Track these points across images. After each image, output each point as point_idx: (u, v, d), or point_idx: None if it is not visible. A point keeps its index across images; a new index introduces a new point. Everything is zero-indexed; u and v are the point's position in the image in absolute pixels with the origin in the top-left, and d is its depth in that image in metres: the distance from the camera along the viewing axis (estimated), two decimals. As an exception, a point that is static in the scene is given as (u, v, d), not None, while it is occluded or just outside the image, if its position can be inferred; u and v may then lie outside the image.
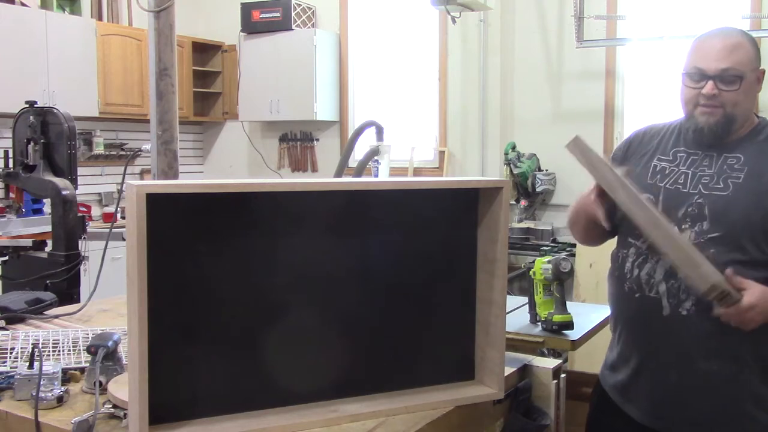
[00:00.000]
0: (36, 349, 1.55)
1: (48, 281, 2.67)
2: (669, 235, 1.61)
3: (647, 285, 1.77)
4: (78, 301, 2.68)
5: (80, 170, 3.11)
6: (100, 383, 1.49)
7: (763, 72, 1.78)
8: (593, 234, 1.94)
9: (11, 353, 1.76)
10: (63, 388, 1.51)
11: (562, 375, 1.87)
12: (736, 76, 1.70)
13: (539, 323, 2.43)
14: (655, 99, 5.23)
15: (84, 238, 2.89)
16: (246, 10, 6.62)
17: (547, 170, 5.58)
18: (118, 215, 4.10)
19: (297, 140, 7.02)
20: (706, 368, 1.72)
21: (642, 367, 1.82)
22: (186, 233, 1.39)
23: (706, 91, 1.71)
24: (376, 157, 2.62)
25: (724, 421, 1.74)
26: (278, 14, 6.48)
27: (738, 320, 1.62)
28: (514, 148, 5.65)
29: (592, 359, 2.44)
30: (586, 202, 1.78)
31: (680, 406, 1.77)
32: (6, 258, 3.15)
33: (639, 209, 1.63)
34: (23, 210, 4.73)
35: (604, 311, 2.53)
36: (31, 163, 2.97)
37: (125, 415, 1.40)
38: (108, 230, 2.51)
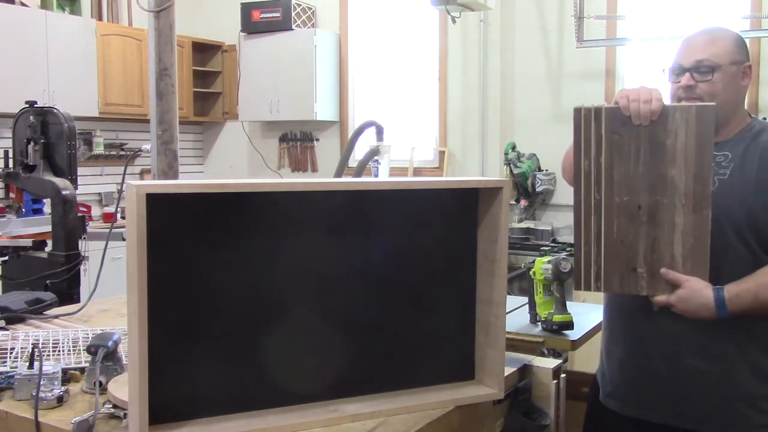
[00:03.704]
0: (36, 349, 1.54)
1: (48, 281, 2.67)
2: None
3: None
4: (78, 301, 2.68)
5: (80, 170, 3.11)
6: (100, 383, 1.49)
7: (749, 67, 1.80)
8: None
9: (11, 353, 1.76)
10: (63, 388, 1.51)
11: (562, 375, 1.87)
12: (710, 66, 1.74)
13: (539, 323, 2.43)
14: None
15: (84, 238, 2.89)
16: (246, 10, 6.62)
17: (547, 170, 5.58)
18: (118, 215, 4.10)
19: (297, 140, 7.02)
20: (694, 366, 1.74)
21: (629, 358, 1.85)
22: (186, 233, 1.39)
23: (683, 83, 1.75)
24: (376, 157, 2.62)
25: (714, 418, 1.75)
26: (278, 14, 6.48)
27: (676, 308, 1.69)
28: (514, 148, 5.65)
29: (592, 359, 2.43)
30: None
31: (669, 398, 1.79)
32: (6, 258, 3.15)
33: None
34: (23, 210, 4.72)
35: (604, 311, 2.53)
36: (31, 163, 2.97)
37: (125, 415, 1.40)
38: (108, 230, 2.50)
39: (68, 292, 2.71)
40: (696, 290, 1.65)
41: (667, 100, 1.80)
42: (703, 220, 1.64)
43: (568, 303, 2.42)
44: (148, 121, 2.87)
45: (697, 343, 1.74)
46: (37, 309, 2.22)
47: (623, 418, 1.87)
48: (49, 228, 2.91)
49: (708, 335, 1.72)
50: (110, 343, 1.57)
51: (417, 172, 6.22)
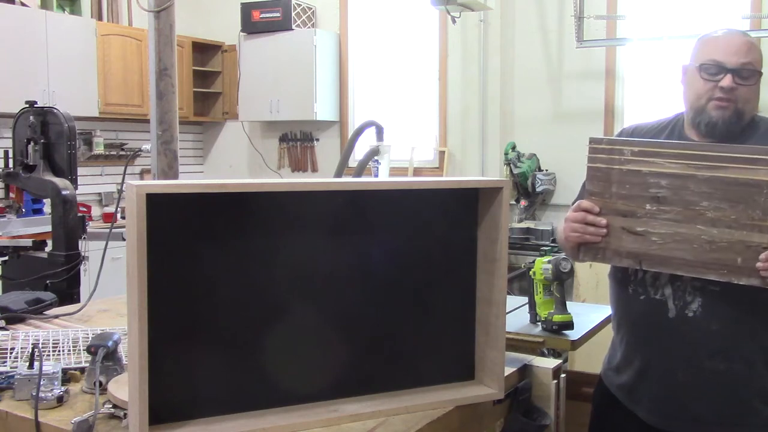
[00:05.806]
0: (36, 349, 1.54)
1: (48, 281, 2.67)
2: None
3: (652, 287, 1.77)
4: (78, 301, 2.68)
5: (80, 170, 3.11)
6: (100, 383, 1.49)
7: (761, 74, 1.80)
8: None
9: (11, 353, 1.76)
10: (63, 388, 1.51)
11: (562, 375, 1.87)
12: (754, 71, 1.72)
13: (539, 323, 2.43)
14: (655, 99, 5.23)
15: (84, 238, 2.89)
16: (246, 10, 6.62)
17: (547, 170, 5.58)
18: (118, 215, 4.10)
19: (297, 140, 7.02)
20: (713, 368, 1.72)
21: (647, 369, 1.82)
22: (186, 233, 1.39)
23: (725, 84, 1.70)
24: (376, 157, 2.61)
25: (730, 418, 1.74)
26: (278, 14, 6.48)
27: None
28: (514, 148, 5.65)
29: (592, 359, 2.44)
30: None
31: (685, 405, 1.76)
32: (6, 258, 3.15)
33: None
34: (23, 210, 4.72)
35: (604, 311, 2.54)
36: (31, 163, 2.97)
37: (125, 415, 1.40)
38: (108, 230, 2.50)
39: (68, 292, 2.71)
40: None
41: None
42: None
43: (568, 303, 2.42)
44: (148, 121, 2.87)
45: (717, 346, 1.71)
46: (37, 309, 2.22)
47: (634, 422, 1.85)
48: (49, 228, 2.91)
49: (728, 336, 1.70)
50: (110, 343, 1.57)
51: (417, 172, 6.22)
